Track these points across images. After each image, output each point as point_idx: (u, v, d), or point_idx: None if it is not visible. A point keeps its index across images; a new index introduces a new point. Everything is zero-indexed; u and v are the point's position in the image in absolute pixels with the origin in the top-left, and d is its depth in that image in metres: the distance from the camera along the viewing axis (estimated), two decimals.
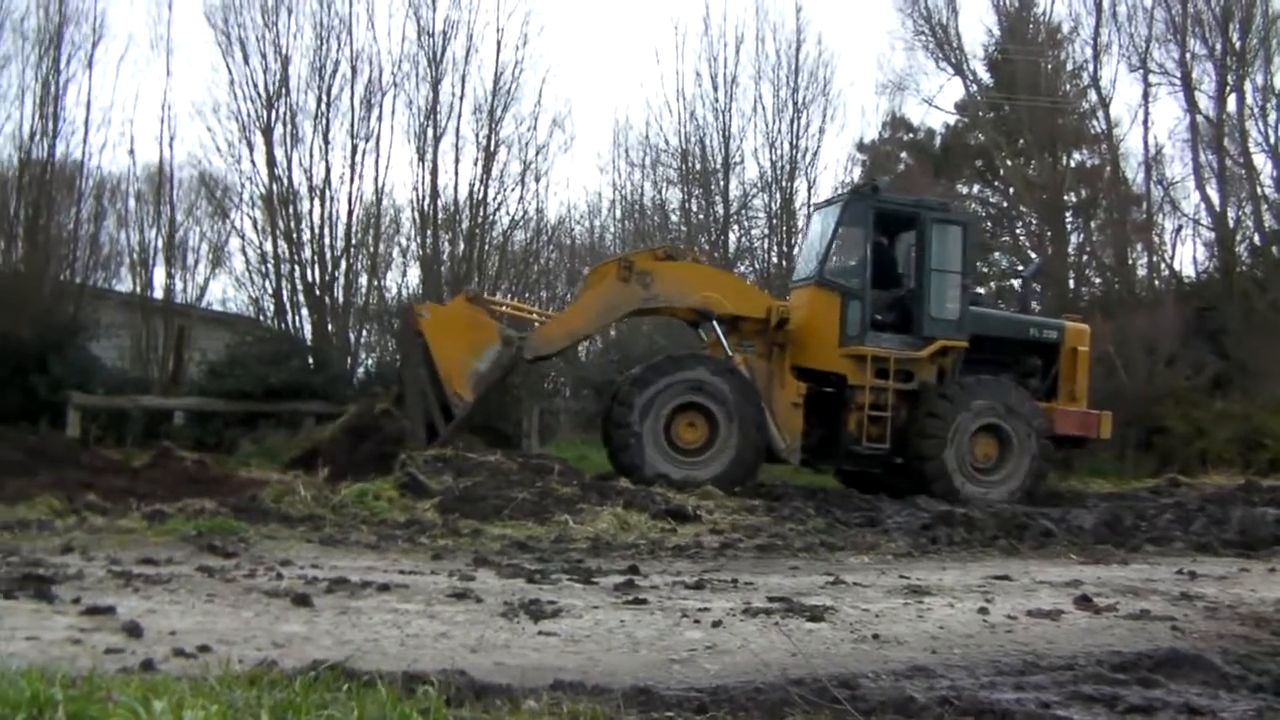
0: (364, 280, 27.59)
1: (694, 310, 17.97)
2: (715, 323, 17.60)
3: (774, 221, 30.36)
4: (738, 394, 16.94)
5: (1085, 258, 32.60)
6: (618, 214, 34.43)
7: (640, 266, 17.60)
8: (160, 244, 27.36)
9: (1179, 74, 31.44)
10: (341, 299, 26.62)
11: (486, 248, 27.41)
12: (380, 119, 27.23)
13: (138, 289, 26.95)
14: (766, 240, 31.14)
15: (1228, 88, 30.73)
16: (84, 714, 4.16)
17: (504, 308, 18.98)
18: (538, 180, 28.66)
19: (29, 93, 25.08)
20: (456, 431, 16.33)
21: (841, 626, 7.18)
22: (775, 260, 29.73)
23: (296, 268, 26.51)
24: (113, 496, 12.39)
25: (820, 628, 7.13)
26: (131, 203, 28.00)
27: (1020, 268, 35.30)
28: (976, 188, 37.65)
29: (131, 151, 36.47)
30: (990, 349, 18.51)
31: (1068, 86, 34.07)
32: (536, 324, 18.39)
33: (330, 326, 26.29)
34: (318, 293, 26.13)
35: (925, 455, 17.40)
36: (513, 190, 27.92)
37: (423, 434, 16.29)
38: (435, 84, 27.24)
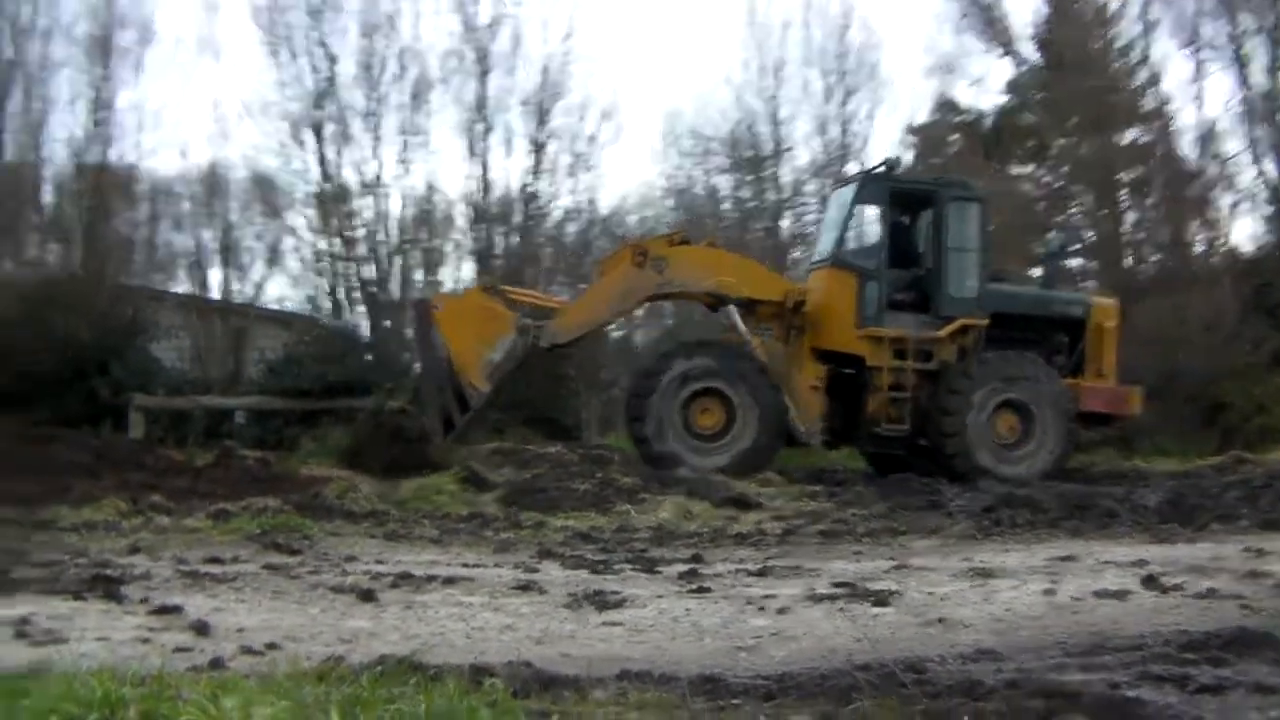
0: (418, 275, 27.64)
1: (709, 295, 17.93)
2: (731, 307, 17.51)
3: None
4: (753, 378, 16.95)
5: (1141, 236, 32.27)
6: (670, 203, 34.40)
7: (655, 252, 17.60)
8: (215, 245, 27.54)
9: (1230, 49, 31.14)
10: (397, 294, 26.68)
11: (539, 240, 27.40)
12: (429, 115, 27.26)
13: (195, 290, 27.13)
14: (820, 226, 31.03)
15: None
16: (155, 712, 4.21)
17: (522, 297, 18.93)
18: (588, 171, 28.62)
19: (81, 98, 25.32)
20: (473, 422, 16.34)
21: (906, 611, 7.16)
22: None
23: (351, 265, 26.62)
24: (177, 497, 12.49)
25: (885, 612, 7.12)
26: (185, 204, 28.19)
27: (1071, 246, 35.08)
28: (1029, 168, 37.39)
29: (184, 153, 36.92)
30: (1015, 326, 18.35)
31: (1118, 64, 33.76)
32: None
33: (387, 322, 26.35)
34: (373, 289, 26.20)
35: (946, 433, 17.31)
36: (564, 182, 27.95)
37: (439, 426, 16.40)
38: (483, 78, 27.24)
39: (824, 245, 19.18)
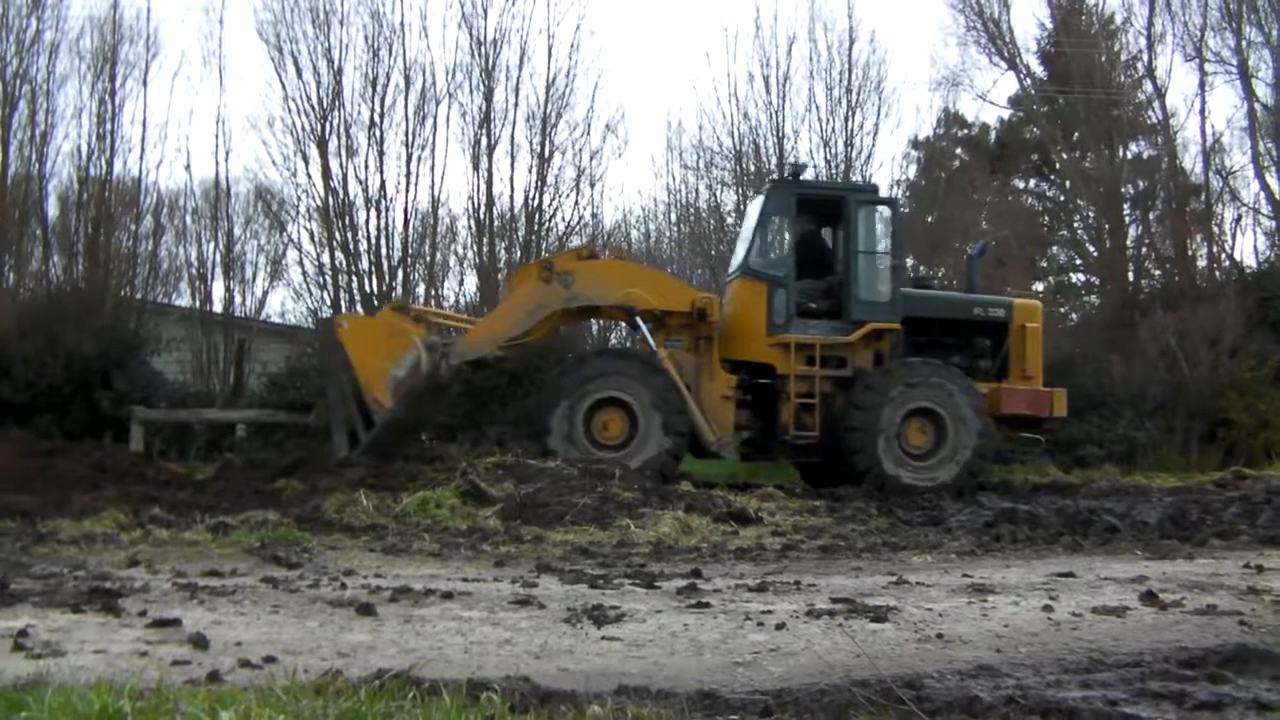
0: (421, 289, 27.67)
1: (618, 307, 17.91)
2: (639, 319, 17.57)
3: None
4: (655, 388, 16.96)
5: (1144, 249, 32.30)
6: (673, 217, 34.44)
7: (561, 266, 17.63)
8: (218, 258, 27.58)
9: (1235, 62, 31.18)
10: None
11: (543, 254, 27.42)
12: (434, 128, 27.30)
13: (197, 303, 27.15)
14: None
15: None
16: None
17: (437, 318, 19.01)
18: (592, 186, 28.77)
19: (86, 111, 25.40)
20: (378, 438, 16.44)
21: (905, 627, 7.15)
22: None
23: (354, 278, 26.68)
24: (177, 509, 12.50)
25: (884, 628, 7.11)
26: (189, 218, 28.25)
27: (1078, 261, 35.13)
28: (1033, 182, 37.45)
29: (188, 167, 37.20)
30: (935, 331, 18.43)
31: (1122, 78, 33.80)
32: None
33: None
34: (376, 303, 26.24)
35: (852, 445, 17.31)
36: (568, 196, 28.01)
37: (344, 442, 16.54)
38: (488, 92, 27.32)
39: (738, 255, 19.22)
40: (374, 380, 16.55)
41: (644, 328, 17.52)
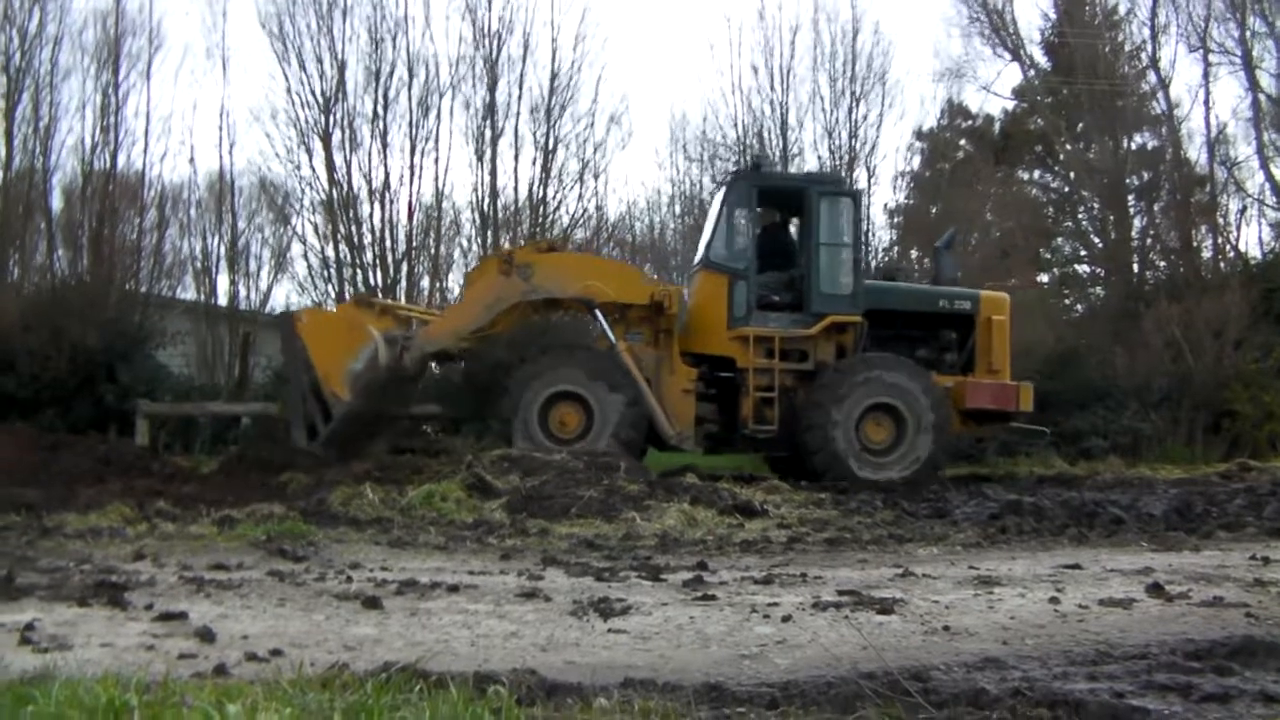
0: (426, 282, 27.69)
1: (577, 300, 17.88)
2: (598, 311, 17.53)
3: None
4: (612, 381, 16.98)
5: (1149, 241, 32.27)
6: (677, 209, 34.41)
7: (521, 259, 17.62)
8: (223, 251, 27.66)
9: (1239, 52, 31.15)
10: (404, 301, 26.70)
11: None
12: (438, 121, 27.37)
13: (202, 296, 27.22)
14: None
15: None
16: (159, 719, 4.20)
17: (399, 311, 19.07)
18: (596, 178, 28.76)
19: (90, 105, 25.42)
20: (337, 430, 16.52)
21: (912, 619, 7.15)
22: None
23: (358, 271, 26.70)
24: (182, 503, 12.52)
25: (890, 620, 7.10)
26: (193, 211, 28.30)
27: (1082, 253, 35.09)
28: (1037, 173, 37.41)
29: (192, 160, 37.22)
30: (901, 324, 18.36)
31: (1126, 68, 33.75)
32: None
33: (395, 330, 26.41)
34: (380, 295, 26.24)
35: (809, 441, 17.26)
36: (572, 188, 28.00)
37: (303, 434, 16.64)
38: (492, 85, 27.32)
39: (700, 248, 19.19)
40: (332, 374, 16.63)
41: (603, 320, 17.49)
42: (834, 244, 17.96)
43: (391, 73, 27.01)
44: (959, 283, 19.34)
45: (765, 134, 30.30)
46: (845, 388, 17.23)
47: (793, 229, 19.07)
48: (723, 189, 19.06)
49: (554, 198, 27.75)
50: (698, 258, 19.14)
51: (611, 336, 17.33)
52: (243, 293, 28.05)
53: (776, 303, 17.92)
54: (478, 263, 20.69)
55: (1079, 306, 33.83)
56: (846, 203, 18.30)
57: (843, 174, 28.88)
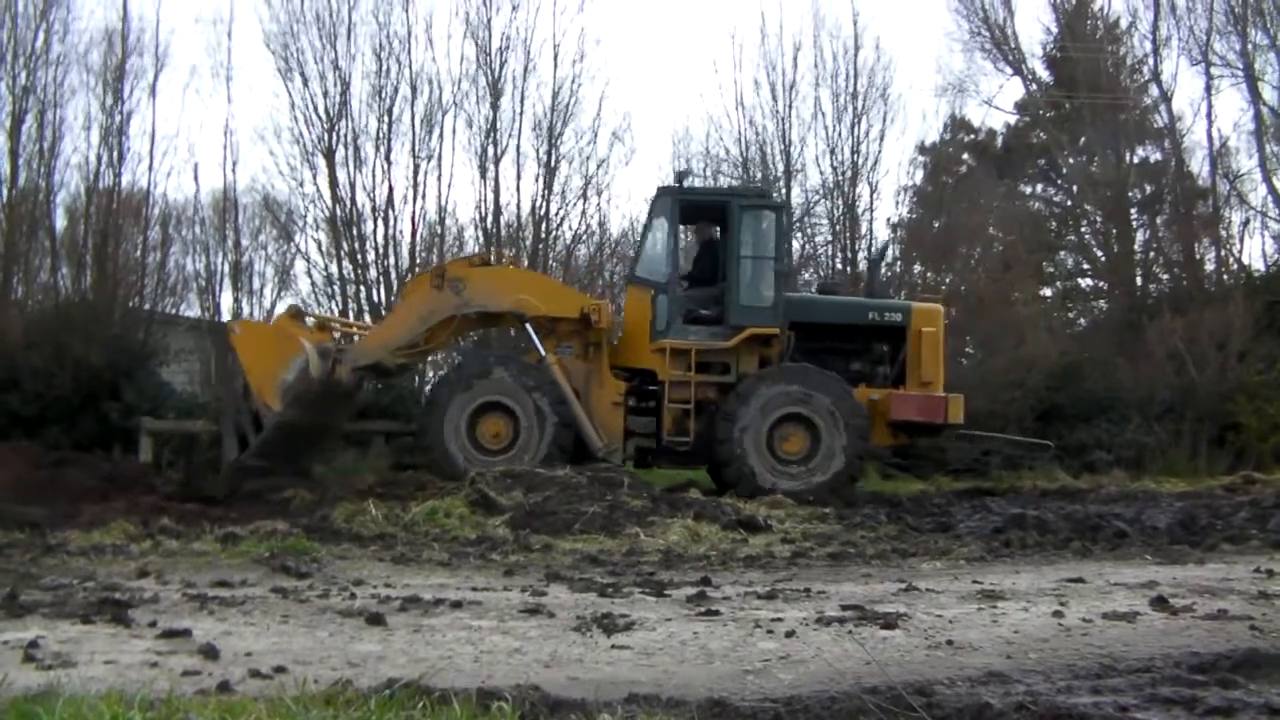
0: None
1: (509, 313, 17.91)
2: (529, 325, 17.57)
3: (837, 228, 30.19)
4: (538, 394, 16.93)
5: (1152, 254, 32.26)
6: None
7: (452, 273, 17.63)
8: (226, 268, 27.64)
9: (1241, 65, 31.14)
10: None
11: (551, 263, 27.43)
12: (441, 138, 27.31)
13: (206, 314, 27.21)
14: (830, 246, 30.96)
15: None
16: None
17: (333, 325, 19.23)
18: (599, 194, 28.66)
19: (94, 123, 25.42)
20: (266, 441, 16.53)
21: (915, 633, 7.15)
22: (840, 266, 29.56)
23: (362, 288, 26.69)
24: (186, 520, 12.52)
25: (894, 635, 7.10)
26: (197, 228, 28.31)
27: (1085, 266, 35.10)
28: (1039, 186, 37.43)
29: (196, 178, 37.07)
30: (836, 337, 18.23)
31: (1128, 82, 33.77)
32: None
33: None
34: (383, 312, 26.24)
35: (721, 454, 17.16)
36: (575, 205, 28.00)
37: (234, 445, 16.66)
38: (495, 102, 27.33)
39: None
40: (264, 384, 16.59)
41: (533, 334, 17.52)
42: (756, 257, 17.91)
43: (395, 91, 27.05)
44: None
45: (767, 150, 30.30)
46: (754, 399, 17.09)
47: (716, 244, 19.03)
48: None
49: (557, 214, 27.78)
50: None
51: (541, 349, 17.34)
52: (246, 310, 28.01)
53: (705, 316, 17.87)
54: (412, 278, 20.74)
55: (1082, 320, 33.81)
56: (769, 215, 18.21)
57: (846, 190, 28.94)
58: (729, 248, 17.98)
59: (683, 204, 18.18)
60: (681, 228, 18.97)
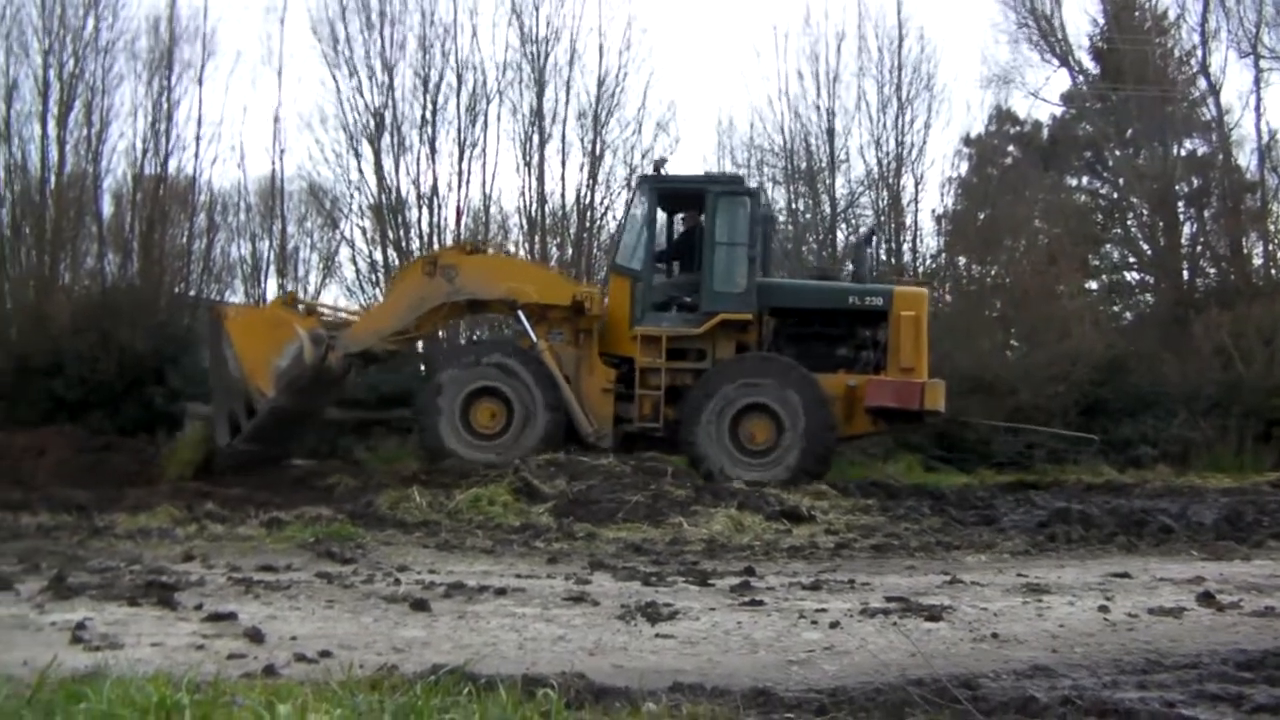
0: None
1: (501, 301, 17.94)
2: (520, 312, 17.54)
3: (882, 219, 30.03)
4: (532, 379, 16.99)
5: (1199, 248, 31.99)
6: None
7: (444, 260, 17.72)
8: (272, 255, 27.76)
9: None
10: None
11: (595, 252, 27.44)
12: (486, 127, 27.32)
13: (251, 300, 27.30)
14: (875, 237, 30.80)
15: None
16: (210, 718, 4.24)
17: (327, 311, 19.30)
18: None
19: (141, 110, 25.58)
20: (259, 426, 16.58)
21: (960, 626, 7.12)
22: (884, 257, 29.41)
23: None
24: (231, 505, 12.61)
25: (938, 627, 7.08)
26: (243, 215, 28.43)
27: (1131, 259, 34.85)
28: (1085, 179, 37.16)
29: (242, 165, 37.09)
30: (814, 322, 18.05)
31: (1176, 74, 33.48)
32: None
33: (441, 333, 26.49)
34: None
35: (684, 442, 17.04)
36: (619, 194, 27.95)
37: (226, 430, 16.63)
38: (540, 91, 27.33)
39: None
40: (257, 370, 16.64)
41: (525, 321, 17.52)
42: (729, 243, 17.74)
43: (440, 79, 27.07)
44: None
45: (811, 140, 30.18)
46: (715, 388, 17.03)
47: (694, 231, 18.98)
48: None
49: (601, 203, 27.74)
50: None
51: (533, 336, 17.35)
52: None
53: (686, 303, 17.91)
54: (405, 265, 20.80)
55: (1128, 314, 33.54)
56: (743, 202, 18.04)
57: (891, 181, 28.80)
58: (705, 234, 17.88)
59: (660, 192, 18.23)
60: (676, 216, 19.09)
